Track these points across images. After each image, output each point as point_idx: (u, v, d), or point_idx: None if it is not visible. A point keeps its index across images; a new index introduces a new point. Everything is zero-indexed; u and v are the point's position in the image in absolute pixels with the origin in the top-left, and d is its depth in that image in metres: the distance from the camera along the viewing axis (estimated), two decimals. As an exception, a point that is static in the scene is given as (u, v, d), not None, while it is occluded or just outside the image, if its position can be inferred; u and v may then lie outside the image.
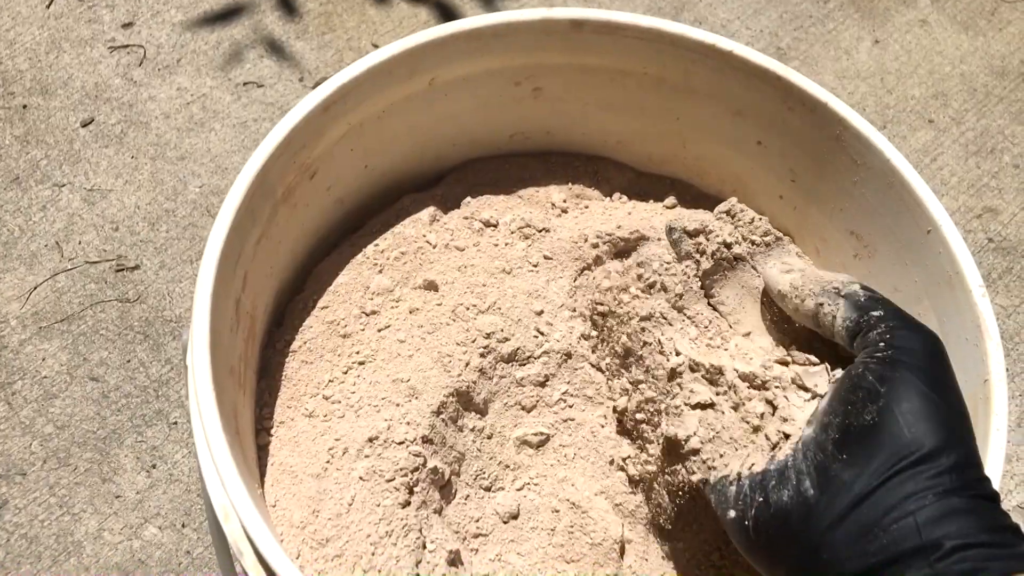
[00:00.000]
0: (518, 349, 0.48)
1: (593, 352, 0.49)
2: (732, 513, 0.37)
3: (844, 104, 0.49)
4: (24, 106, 1.19)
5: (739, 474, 0.38)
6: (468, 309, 0.49)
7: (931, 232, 0.46)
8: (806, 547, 0.34)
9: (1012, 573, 0.29)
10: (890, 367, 0.35)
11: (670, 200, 0.56)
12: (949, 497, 0.32)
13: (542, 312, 0.49)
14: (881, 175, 0.48)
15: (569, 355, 0.49)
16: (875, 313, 0.38)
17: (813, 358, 0.41)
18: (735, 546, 0.39)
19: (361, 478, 0.43)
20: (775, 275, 0.44)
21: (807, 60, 1.30)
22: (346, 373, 0.48)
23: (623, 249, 0.52)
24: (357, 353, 0.48)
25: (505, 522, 0.46)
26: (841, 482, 0.34)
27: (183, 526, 0.91)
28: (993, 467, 0.40)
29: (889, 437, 0.33)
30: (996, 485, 0.39)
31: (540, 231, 0.53)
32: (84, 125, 1.18)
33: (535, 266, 0.51)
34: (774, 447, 0.38)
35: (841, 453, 0.34)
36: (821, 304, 0.40)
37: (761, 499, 0.36)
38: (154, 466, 0.94)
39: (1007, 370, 0.43)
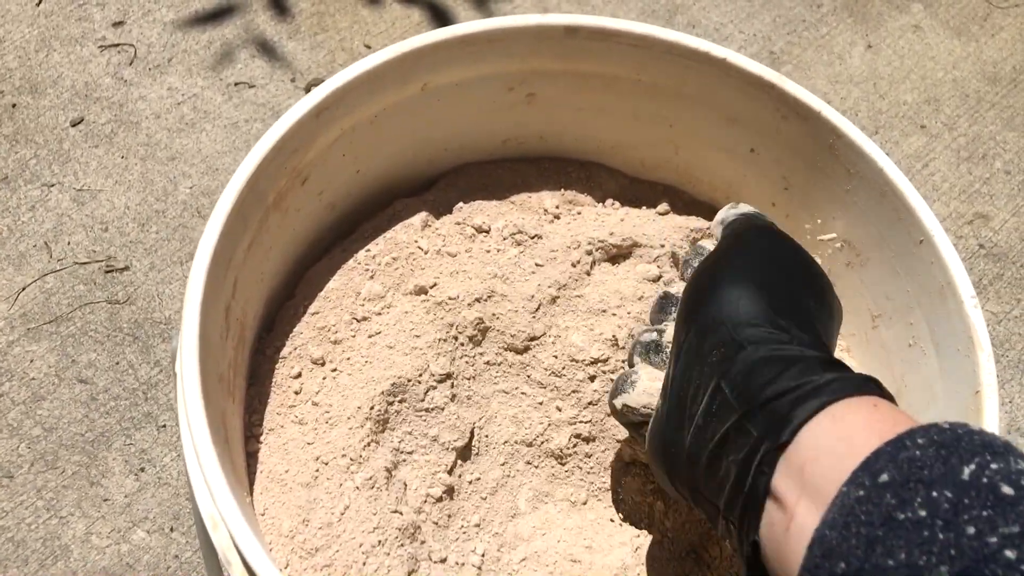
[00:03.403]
0: (510, 357, 0.48)
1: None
2: (641, 432, 0.39)
3: (838, 113, 0.49)
4: (13, 105, 1.18)
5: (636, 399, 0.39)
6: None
7: (923, 242, 0.46)
8: (673, 451, 0.34)
9: (829, 404, 0.29)
10: (704, 260, 0.38)
11: (663, 206, 0.56)
12: (744, 348, 0.32)
13: (534, 319, 0.49)
14: (874, 185, 0.48)
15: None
16: (730, 227, 0.42)
17: None
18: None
19: (357, 487, 0.42)
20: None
21: (800, 65, 1.30)
22: (336, 380, 0.47)
23: (615, 256, 0.52)
24: (348, 360, 0.48)
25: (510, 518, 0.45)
26: (667, 377, 0.36)
27: (171, 530, 0.90)
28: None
29: (683, 310, 0.36)
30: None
31: (532, 237, 0.52)
32: (74, 124, 1.17)
33: (526, 272, 0.51)
34: None
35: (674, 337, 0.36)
36: (711, 234, 0.43)
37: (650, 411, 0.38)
38: (142, 469, 0.93)
39: (997, 377, 0.43)
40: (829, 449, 0.27)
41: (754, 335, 0.32)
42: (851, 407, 0.29)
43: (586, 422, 0.48)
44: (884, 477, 0.25)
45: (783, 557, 0.28)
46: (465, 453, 0.47)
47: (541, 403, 0.49)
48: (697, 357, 0.33)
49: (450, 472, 0.46)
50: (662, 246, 0.52)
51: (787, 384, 0.30)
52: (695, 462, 0.32)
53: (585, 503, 0.48)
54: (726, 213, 0.43)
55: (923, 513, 0.24)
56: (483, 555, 0.44)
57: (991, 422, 0.41)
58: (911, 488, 0.24)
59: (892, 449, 0.26)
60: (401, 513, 0.42)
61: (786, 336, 0.33)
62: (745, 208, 0.43)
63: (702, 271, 0.37)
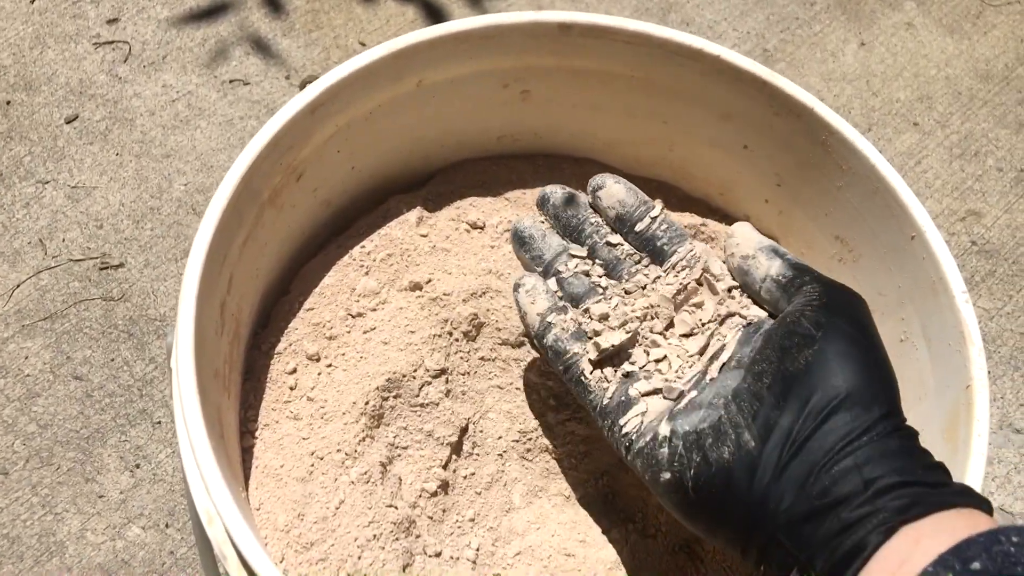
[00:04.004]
0: (504, 352, 0.48)
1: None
2: (667, 475, 0.36)
3: (830, 110, 0.49)
4: (8, 102, 1.18)
5: (668, 434, 0.37)
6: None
7: (915, 238, 0.46)
8: (752, 500, 0.34)
9: (945, 507, 0.31)
10: (825, 313, 0.36)
11: (657, 203, 0.56)
12: (884, 439, 0.33)
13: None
14: (866, 180, 0.48)
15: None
16: (810, 273, 0.39)
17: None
18: (669, 510, 0.38)
19: (352, 482, 0.43)
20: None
21: (793, 62, 1.30)
22: (331, 375, 0.47)
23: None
24: (343, 355, 0.48)
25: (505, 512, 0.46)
26: (781, 429, 0.34)
27: (167, 526, 0.90)
28: (975, 471, 0.40)
29: (823, 380, 0.35)
30: (977, 488, 0.40)
31: (527, 233, 0.53)
32: (68, 122, 1.17)
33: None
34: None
35: (777, 399, 0.35)
36: (753, 256, 0.41)
37: (699, 458, 0.35)
38: (138, 466, 0.93)
39: (989, 372, 0.44)
40: (950, 534, 0.29)
41: (883, 416, 0.34)
42: (978, 514, 0.31)
43: (580, 417, 0.48)
44: (976, 565, 0.27)
45: None
46: (459, 448, 0.47)
47: (535, 398, 0.49)
48: (821, 421, 0.34)
49: (445, 467, 0.46)
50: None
51: (917, 475, 0.32)
52: (784, 512, 0.33)
53: (580, 498, 0.48)
54: (767, 267, 0.40)
55: None
56: (478, 549, 0.45)
57: (982, 416, 0.42)
58: None
59: (986, 541, 0.27)
60: (396, 507, 0.43)
61: (913, 430, 0.35)
62: (789, 257, 0.41)
63: (818, 358, 0.36)
